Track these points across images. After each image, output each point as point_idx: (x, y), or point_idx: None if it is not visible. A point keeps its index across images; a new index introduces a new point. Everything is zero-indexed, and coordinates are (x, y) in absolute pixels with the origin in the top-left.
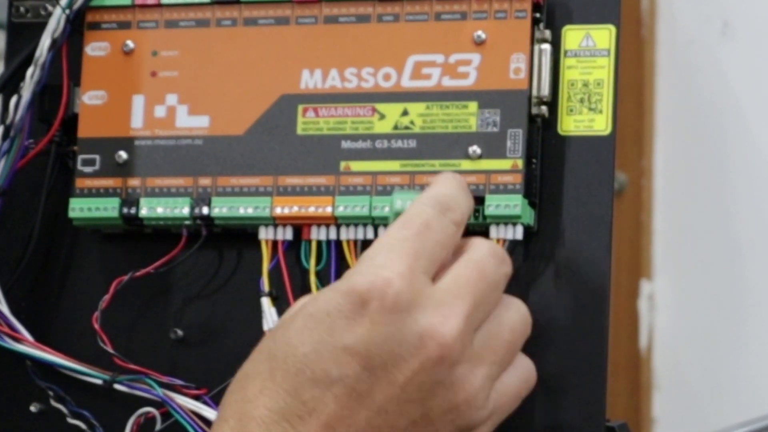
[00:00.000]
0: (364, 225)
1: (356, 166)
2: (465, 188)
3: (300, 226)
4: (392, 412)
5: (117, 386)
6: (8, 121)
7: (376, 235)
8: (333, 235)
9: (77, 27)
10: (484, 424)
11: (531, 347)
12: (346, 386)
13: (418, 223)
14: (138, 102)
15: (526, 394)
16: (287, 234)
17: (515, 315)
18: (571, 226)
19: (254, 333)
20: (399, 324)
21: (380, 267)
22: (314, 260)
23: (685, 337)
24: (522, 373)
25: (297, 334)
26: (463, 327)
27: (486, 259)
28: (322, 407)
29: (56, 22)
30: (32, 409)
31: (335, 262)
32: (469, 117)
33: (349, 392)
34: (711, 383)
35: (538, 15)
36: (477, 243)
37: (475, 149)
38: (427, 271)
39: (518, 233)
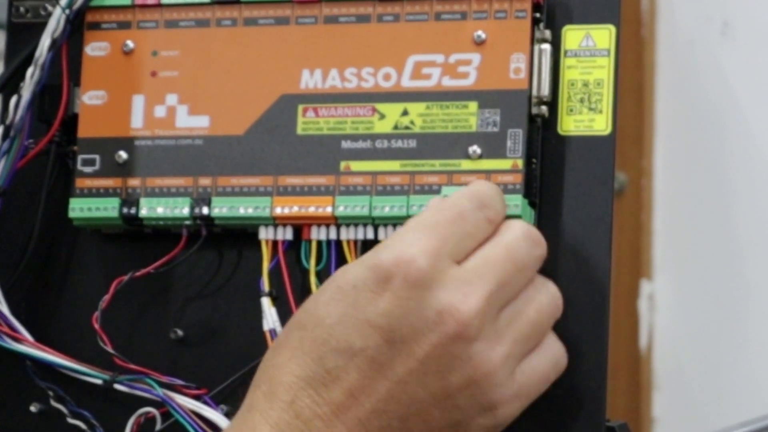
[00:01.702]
0: (364, 225)
1: (356, 166)
2: (501, 193)
3: (300, 226)
4: (411, 383)
5: (117, 386)
6: (8, 121)
7: (376, 235)
8: (333, 235)
9: (77, 27)
10: (509, 404)
11: None
12: (368, 357)
13: (453, 212)
14: (138, 102)
15: (555, 377)
16: (287, 234)
17: (544, 296)
18: (571, 226)
19: (254, 333)
20: (419, 299)
21: (407, 245)
22: (314, 260)
23: (685, 337)
24: (551, 355)
25: (324, 305)
26: (483, 305)
27: (517, 241)
28: (344, 376)
29: (56, 22)
30: (32, 409)
31: (335, 262)
32: (469, 117)
33: (370, 363)
34: (711, 383)
35: (538, 15)
36: (510, 225)
37: (475, 149)
38: (453, 256)
39: None
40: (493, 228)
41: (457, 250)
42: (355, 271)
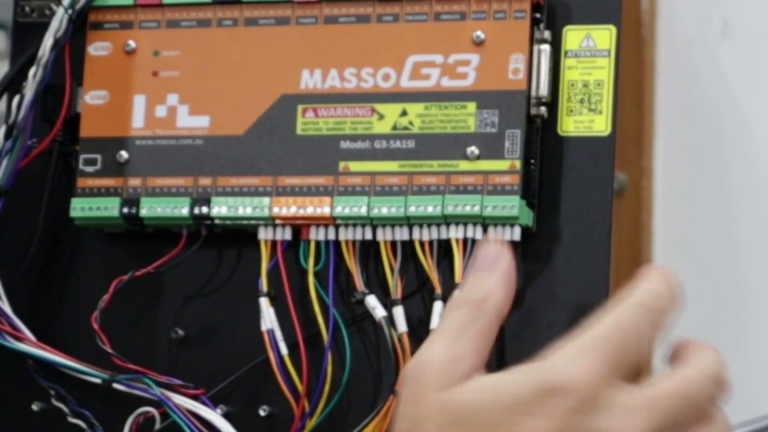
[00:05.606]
0: (363, 226)
1: (355, 166)
2: (671, 287)
3: (299, 227)
4: None
5: (116, 385)
6: (11, 121)
7: (374, 235)
8: (332, 236)
9: (80, 27)
10: None
11: (530, 349)
12: None
13: (622, 331)
14: (139, 102)
15: None
16: (286, 234)
17: None
18: (571, 227)
19: (253, 333)
20: (578, 425)
21: (567, 364)
22: (313, 260)
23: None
24: None
25: (478, 403)
26: None
27: (697, 379)
28: None
29: (59, 21)
30: (34, 408)
31: (333, 263)
32: (467, 117)
33: None
34: None
35: (538, 15)
36: (699, 358)
37: (473, 150)
38: (618, 374)
39: (516, 234)
40: (658, 330)
41: (624, 367)
42: (514, 381)
